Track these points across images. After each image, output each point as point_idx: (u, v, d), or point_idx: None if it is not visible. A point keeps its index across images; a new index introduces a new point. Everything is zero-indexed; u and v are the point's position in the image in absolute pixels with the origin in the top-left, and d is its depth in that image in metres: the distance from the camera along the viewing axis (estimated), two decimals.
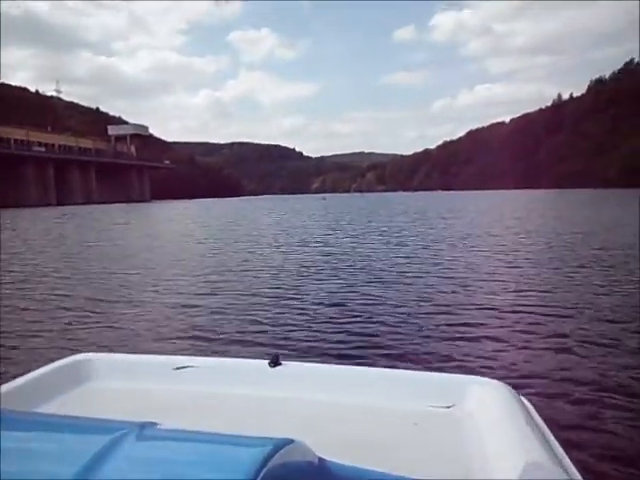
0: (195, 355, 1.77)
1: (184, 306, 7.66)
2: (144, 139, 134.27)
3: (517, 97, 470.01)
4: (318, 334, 6.02)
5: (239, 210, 55.28)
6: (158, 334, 6.15)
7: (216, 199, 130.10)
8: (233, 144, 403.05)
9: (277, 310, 7.32)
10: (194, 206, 74.94)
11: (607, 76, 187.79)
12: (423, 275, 10.23)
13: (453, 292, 8.45)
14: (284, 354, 5.47)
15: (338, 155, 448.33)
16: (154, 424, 0.74)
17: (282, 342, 5.72)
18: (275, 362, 1.54)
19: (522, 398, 1.37)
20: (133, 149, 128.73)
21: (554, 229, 21.03)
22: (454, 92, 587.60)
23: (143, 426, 0.71)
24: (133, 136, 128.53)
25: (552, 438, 1.15)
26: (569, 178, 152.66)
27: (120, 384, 1.51)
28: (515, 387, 1.42)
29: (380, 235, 20.06)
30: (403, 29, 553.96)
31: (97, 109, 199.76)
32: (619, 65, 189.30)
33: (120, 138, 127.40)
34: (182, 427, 0.77)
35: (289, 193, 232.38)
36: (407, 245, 16.08)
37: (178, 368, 1.57)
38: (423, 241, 17.18)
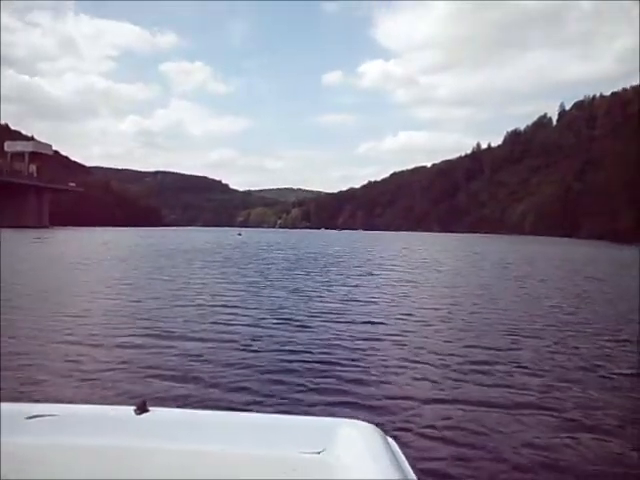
0: (50, 402, 1.53)
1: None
2: (48, 158, 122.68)
3: (438, 145, 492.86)
4: (188, 378, 5.87)
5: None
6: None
7: (128, 228, 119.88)
8: (157, 173, 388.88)
9: (145, 353, 7.01)
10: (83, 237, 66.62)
11: (522, 129, 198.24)
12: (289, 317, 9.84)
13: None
14: (154, 399, 4.25)
15: (265, 190, 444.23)
16: None
17: (151, 387, 5.54)
18: (142, 409, 1.40)
19: (388, 439, 1.37)
20: (33, 169, 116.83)
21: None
22: (380, 136, 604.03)
23: None
24: (34, 155, 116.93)
25: (414, 478, 1.19)
26: (486, 223, 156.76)
27: None
28: (385, 428, 1.45)
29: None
30: (332, 74, 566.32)
31: (6, 126, 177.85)
32: (529, 120, 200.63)
33: (18, 156, 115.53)
34: None
35: (213, 226, 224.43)
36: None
37: (31, 417, 1.36)
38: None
